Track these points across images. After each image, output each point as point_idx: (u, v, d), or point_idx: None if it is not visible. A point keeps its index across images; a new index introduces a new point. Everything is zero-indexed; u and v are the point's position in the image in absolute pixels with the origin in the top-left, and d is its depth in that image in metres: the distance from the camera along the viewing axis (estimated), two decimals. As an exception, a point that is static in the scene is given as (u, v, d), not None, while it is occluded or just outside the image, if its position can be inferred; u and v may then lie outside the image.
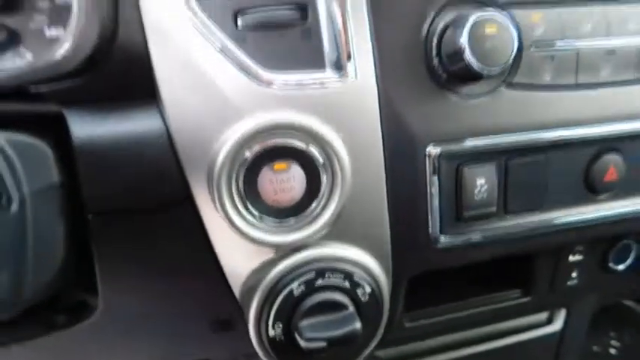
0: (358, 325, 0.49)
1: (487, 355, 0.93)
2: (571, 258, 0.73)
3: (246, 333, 0.53)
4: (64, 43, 0.51)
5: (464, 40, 0.45)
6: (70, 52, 0.50)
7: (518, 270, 0.75)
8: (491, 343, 0.93)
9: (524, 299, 0.75)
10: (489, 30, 0.46)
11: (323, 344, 0.48)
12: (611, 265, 0.76)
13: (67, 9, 0.55)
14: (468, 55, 0.46)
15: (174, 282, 0.68)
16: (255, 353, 0.55)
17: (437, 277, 0.72)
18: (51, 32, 0.60)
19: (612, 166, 0.56)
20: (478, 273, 0.77)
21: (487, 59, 0.46)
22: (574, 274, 0.74)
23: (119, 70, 0.51)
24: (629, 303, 2.27)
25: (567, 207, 0.56)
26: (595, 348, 2.01)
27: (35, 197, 0.51)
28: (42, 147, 0.54)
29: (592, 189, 0.56)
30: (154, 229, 0.58)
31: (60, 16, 0.59)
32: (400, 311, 0.67)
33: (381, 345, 0.80)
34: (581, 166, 0.55)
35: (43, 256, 0.52)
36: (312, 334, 0.48)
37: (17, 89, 0.51)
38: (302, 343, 0.48)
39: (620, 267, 0.76)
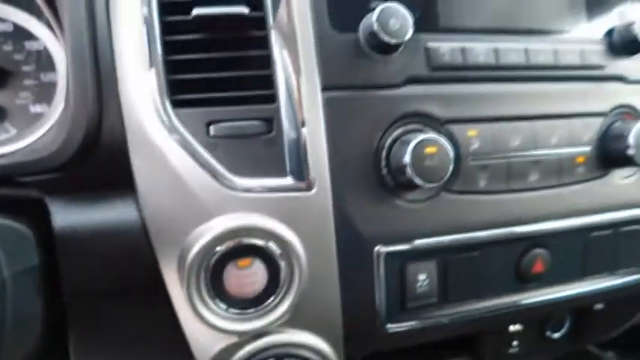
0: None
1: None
2: (511, 328, 0.80)
3: None
4: (48, 123, 0.56)
5: (407, 159, 0.53)
6: (54, 150, 0.55)
7: (467, 338, 0.81)
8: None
9: None
10: (429, 150, 0.53)
11: None
12: (548, 334, 0.83)
13: (53, 86, 0.61)
14: (410, 172, 0.53)
15: (144, 358, 0.72)
16: None
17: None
18: (35, 109, 0.65)
19: (539, 259, 0.63)
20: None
21: (426, 175, 0.53)
22: (515, 343, 0.81)
23: (100, 167, 0.56)
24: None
25: (500, 295, 0.63)
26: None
27: (15, 278, 0.55)
28: (23, 230, 0.59)
29: (522, 279, 0.64)
30: (127, 311, 0.62)
31: (45, 93, 0.64)
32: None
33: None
34: (512, 260, 0.63)
35: (20, 333, 0.56)
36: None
37: (2, 178, 0.56)
38: None
39: (556, 335, 0.84)
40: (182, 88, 0.55)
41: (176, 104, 0.54)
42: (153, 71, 0.54)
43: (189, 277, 0.52)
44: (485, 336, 0.78)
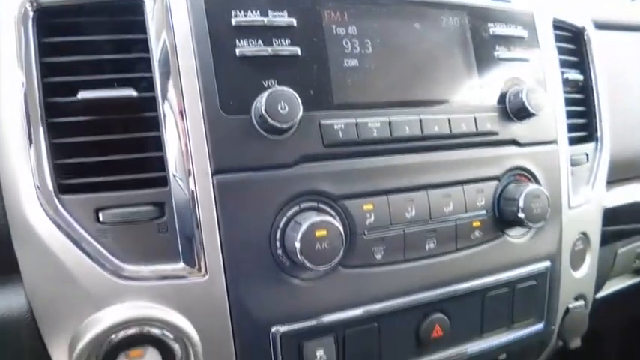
0: None
1: None
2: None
3: None
4: None
5: (298, 244, 0.53)
6: None
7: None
8: None
9: None
10: (319, 233, 0.54)
11: None
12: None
13: None
14: (301, 257, 0.53)
15: None
16: None
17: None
18: None
19: (438, 324, 0.65)
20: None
21: (317, 259, 0.53)
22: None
23: None
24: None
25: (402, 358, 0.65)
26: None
27: None
28: None
29: (422, 344, 0.65)
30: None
31: None
32: None
33: None
34: (411, 327, 0.64)
35: None
36: None
37: None
38: None
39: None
40: (69, 172, 0.53)
41: (62, 190, 0.52)
42: (33, 156, 0.51)
43: None
44: None
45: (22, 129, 0.51)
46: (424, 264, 0.64)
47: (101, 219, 0.53)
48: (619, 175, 0.98)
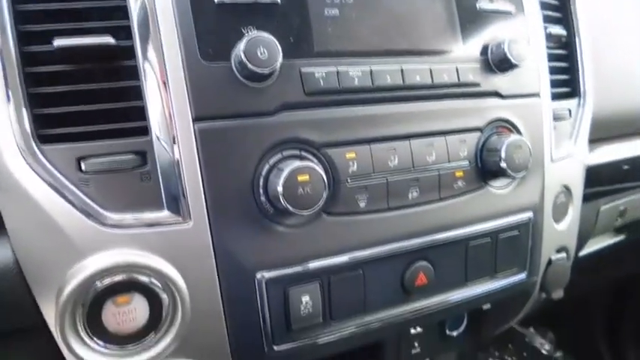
0: None
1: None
2: (412, 331, 0.84)
3: None
4: None
5: (280, 188, 0.53)
6: None
7: (370, 344, 0.84)
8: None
9: None
10: (301, 178, 0.54)
11: None
12: (447, 332, 0.88)
13: None
14: (284, 202, 0.53)
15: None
16: None
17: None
18: None
19: (422, 272, 0.66)
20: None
21: (300, 203, 0.54)
22: (416, 344, 0.85)
23: None
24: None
25: (386, 308, 0.66)
26: (478, 367, 2.20)
27: None
28: None
29: (407, 292, 0.67)
30: (11, 352, 0.60)
31: None
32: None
33: None
34: (395, 275, 0.65)
35: None
36: None
37: None
38: None
39: (455, 333, 0.89)
40: (49, 122, 0.52)
41: (43, 140, 0.52)
42: (12, 105, 0.51)
43: (62, 318, 0.51)
44: (387, 340, 0.81)
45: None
46: (408, 213, 0.64)
47: (83, 168, 0.53)
48: (602, 133, 0.99)
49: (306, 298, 0.59)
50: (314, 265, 0.59)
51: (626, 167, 1.04)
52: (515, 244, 0.74)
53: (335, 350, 0.65)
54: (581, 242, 1.04)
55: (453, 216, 0.68)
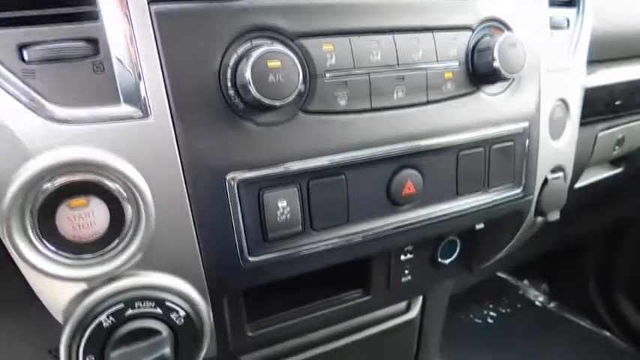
0: (167, 350, 0.51)
1: (352, 347, 1.00)
2: (403, 257, 0.80)
3: None
4: None
5: (248, 75, 0.48)
6: None
7: (358, 272, 0.81)
8: (354, 336, 1.00)
9: (366, 298, 0.81)
10: (272, 64, 0.48)
11: (131, 375, 0.49)
12: (439, 260, 0.84)
13: None
14: (253, 90, 0.48)
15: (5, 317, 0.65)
16: None
17: (278, 285, 0.76)
18: None
19: (409, 180, 0.62)
20: (320, 277, 0.82)
21: (272, 93, 0.48)
22: (407, 272, 0.81)
23: None
24: (501, 275, 2.51)
25: (372, 219, 0.62)
26: (475, 320, 2.21)
27: None
28: None
29: (394, 202, 0.62)
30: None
31: None
32: (241, 322, 0.70)
33: (235, 350, 0.83)
34: (381, 183, 0.61)
35: None
36: (120, 364, 0.49)
37: None
38: (111, 375, 0.49)
39: (447, 261, 0.85)
40: None
41: None
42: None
43: (8, 218, 0.46)
44: (377, 266, 0.77)
45: None
46: (393, 114, 0.59)
47: (26, 57, 0.47)
48: (602, 53, 0.94)
49: (282, 204, 0.54)
50: (290, 166, 0.54)
51: (624, 91, 0.99)
52: (509, 157, 0.69)
53: (317, 265, 0.60)
54: (578, 171, 1.00)
55: (442, 121, 0.63)
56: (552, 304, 2.28)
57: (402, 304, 1.08)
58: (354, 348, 1.01)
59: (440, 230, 0.68)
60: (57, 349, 0.73)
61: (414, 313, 1.08)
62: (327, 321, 0.79)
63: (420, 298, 1.09)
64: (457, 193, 0.67)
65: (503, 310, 2.25)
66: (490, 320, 2.18)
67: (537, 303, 2.30)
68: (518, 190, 0.72)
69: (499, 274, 2.43)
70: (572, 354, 1.98)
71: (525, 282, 2.39)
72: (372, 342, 1.03)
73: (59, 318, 0.54)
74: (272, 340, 0.77)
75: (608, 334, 2.09)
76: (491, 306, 2.26)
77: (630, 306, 2.14)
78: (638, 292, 2.15)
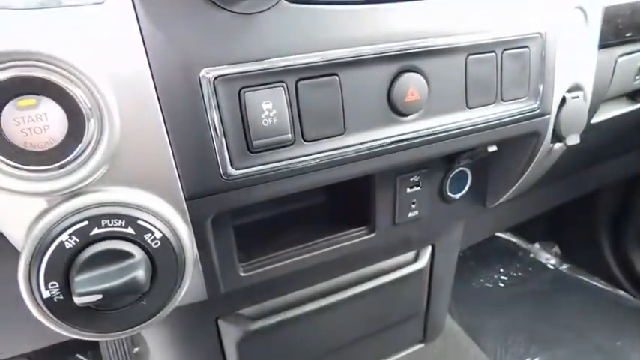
0: (140, 272, 0.44)
1: (359, 298, 0.94)
2: (409, 190, 0.73)
3: None
4: None
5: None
6: None
7: (362, 207, 0.74)
8: (360, 287, 0.94)
9: (370, 235, 0.74)
10: None
11: (98, 297, 0.43)
12: (449, 194, 0.77)
13: None
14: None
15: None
16: None
17: (277, 225, 0.70)
18: None
19: (412, 85, 0.54)
20: (323, 216, 0.76)
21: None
22: (414, 206, 0.74)
23: None
24: (507, 237, 2.47)
25: (372, 129, 0.54)
26: (487, 284, 2.16)
27: None
28: None
29: (396, 110, 0.55)
30: None
31: None
32: (232, 261, 0.64)
33: (234, 299, 0.77)
34: (381, 87, 0.53)
35: None
36: (84, 288, 0.43)
37: None
38: (75, 299, 0.43)
39: (458, 195, 0.78)
40: None
41: None
42: None
43: None
44: (381, 200, 0.71)
45: None
46: (393, 6, 0.52)
47: None
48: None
49: (267, 105, 0.47)
50: (274, 62, 0.47)
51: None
52: (524, 65, 0.62)
53: (310, 183, 0.54)
54: (596, 101, 0.92)
55: (449, 17, 0.55)
56: (564, 266, 2.22)
57: (411, 254, 1.02)
58: (360, 300, 0.95)
59: (449, 147, 0.61)
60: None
61: (423, 262, 1.02)
62: (329, 263, 0.73)
63: (429, 248, 1.03)
64: (467, 104, 0.59)
65: (515, 274, 2.20)
66: (501, 284, 2.14)
67: (549, 265, 2.24)
68: (535, 105, 0.65)
69: (509, 237, 2.37)
70: (585, 314, 1.95)
71: (537, 245, 2.33)
72: (380, 293, 0.98)
73: (19, 247, 0.47)
74: (269, 284, 0.71)
75: (622, 292, 2.05)
76: (502, 270, 2.21)
77: (642, 259, 2.09)
78: (652, 249, 2.09)
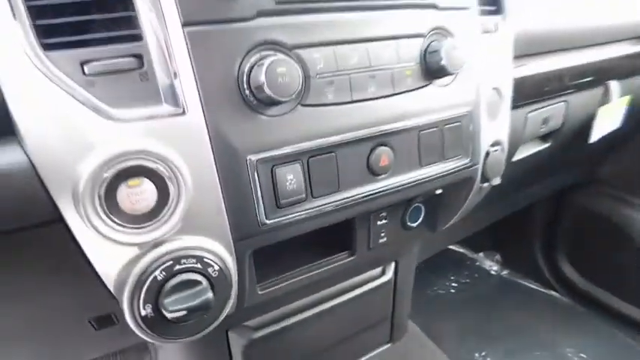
0: (210, 295, 0.66)
1: (338, 308, 1.17)
2: (379, 222, 0.98)
3: (126, 324, 0.66)
4: None
5: (262, 78, 0.63)
6: None
7: (344, 237, 0.98)
8: (339, 298, 1.17)
9: (351, 258, 0.98)
10: (280, 70, 0.64)
11: (184, 312, 0.64)
12: (408, 223, 1.02)
13: None
14: (267, 89, 0.63)
15: (52, 289, 0.78)
16: (140, 342, 0.68)
17: (281, 253, 0.91)
18: None
19: (384, 155, 0.79)
20: (314, 245, 0.98)
21: (281, 91, 0.64)
22: (383, 234, 0.99)
23: None
24: (457, 248, 2.76)
25: (357, 187, 0.79)
26: (440, 291, 2.44)
27: None
28: None
29: (373, 173, 0.79)
30: (29, 247, 0.68)
31: None
32: (253, 282, 0.85)
33: (244, 313, 0.98)
34: (362, 158, 0.78)
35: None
36: (174, 306, 0.63)
37: None
38: (168, 315, 0.63)
39: (415, 224, 1.03)
40: (50, 32, 0.59)
41: (47, 48, 0.59)
42: (17, 19, 0.57)
43: (83, 200, 0.59)
44: (359, 231, 0.95)
45: None
46: (368, 104, 0.76)
47: (87, 71, 0.60)
48: (526, 49, 1.15)
49: (290, 177, 0.70)
50: (294, 148, 0.70)
51: (546, 80, 1.21)
52: (458, 134, 0.88)
53: (317, 225, 0.77)
54: (514, 146, 1.21)
55: (405, 108, 0.81)
56: (505, 272, 2.55)
57: (378, 270, 1.27)
58: (340, 308, 1.18)
59: (409, 194, 0.86)
60: (96, 319, 0.86)
61: (388, 276, 1.26)
62: (322, 280, 0.96)
63: (393, 264, 1.28)
64: (420, 164, 0.85)
65: (464, 281, 2.49)
66: (453, 290, 2.42)
67: (492, 272, 2.56)
68: (467, 160, 0.92)
69: (458, 249, 2.67)
70: (525, 313, 2.24)
71: (481, 254, 2.64)
72: (356, 302, 1.21)
73: (110, 284, 0.67)
74: (276, 300, 0.93)
75: (553, 293, 2.37)
76: (452, 278, 2.50)
77: (571, 268, 2.42)
78: (576, 255, 2.42)
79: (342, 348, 1.30)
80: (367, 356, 1.43)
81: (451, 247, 2.69)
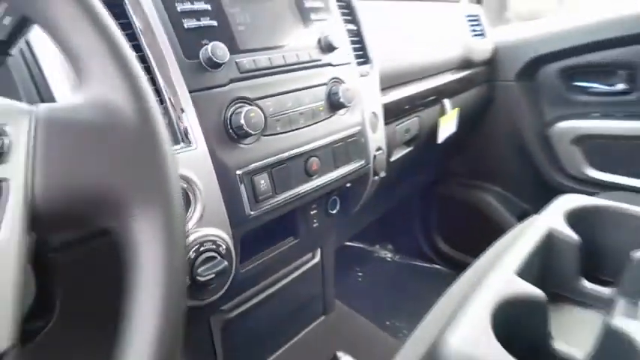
0: (226, 263, 1.01)
1: (286, 287, 1.56)
2: (312, 212, 1.40)
3: None
4: None
5: (242, 120, 1.02)
6: None
7: (291, 226, 1.38)
8: (285, 279, 1.56)
9: (296, 241, 1.38)
10: (251, 114, 1.03)
11: (212, 276, 0.98)
12: (329, 211, 1.46)
13: None
14: (245, 127, 1.02)
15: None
16: None
17: (252, 243, 1.28)
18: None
19: (314, 162, 1.22)
20: (272, 236, 1.37)
21: (253, 128, 1.03)
22: (315, 221, 1.41)
23: None
24: (355, 244, 3.29)
25: (300, 185, 1.20)
26: (350, 279, 2.91)
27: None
28: None
29: (308, 174, 1.22)
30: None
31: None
32: (238, 260, 1.21)
33: (221, 300, 1.31)
34: (301, 165, 1.19)
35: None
36: (205, 273, 0.98)
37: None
38: (201, 279, 0.97)
39: (334, 211, 1.48)
40: None
41: None
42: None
43: None
44: (300, 219, 1.36)
45: None
46: (301, 131, 1.18)
47: None
48: (388, 83, 1.69)
49: (262, 181, 1.09)
50: (262, 163, 1.08)
51: (404, 102, 1.77)
52: (356, 144, 1.34)
53: (280, 212, 1.16)
54: (390, 150, 1.73)
55: (322, 131, 1.24)
56: (397, 257, 3.12)
57: (310, 255, 1.69)
58: (287, 288, 1.57)
59: (329, 188, 1.30)
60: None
61: (317, 259, 1.69)
62: (280, 261, 1.34)
63: (319, 250, 1.71)
64: (335, 167, 1.29)
65: (367, 269, 3.01)
66: (360, 279, 2.91)
67: (388, 259, 3.11)
68: (363, 162, 1.38)
69: (358, 244, 3.20)
70: (417, 285, 2.80)
71: (377, 246, 3.20)
72: (297, 282, 1.61)
73: None
74: (250, 279, 1.29)
75: (436, 265, 2.99)
76: (357, 269, 3.00)
77: (444, 243, 3.06)
78: (447, 233, 3.07)
79: (289, 320, 1.69)
80: (308, 328, 1.82)
81: (349, 243, 3.19)
